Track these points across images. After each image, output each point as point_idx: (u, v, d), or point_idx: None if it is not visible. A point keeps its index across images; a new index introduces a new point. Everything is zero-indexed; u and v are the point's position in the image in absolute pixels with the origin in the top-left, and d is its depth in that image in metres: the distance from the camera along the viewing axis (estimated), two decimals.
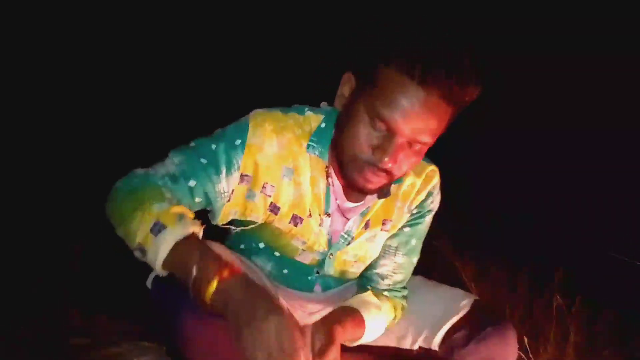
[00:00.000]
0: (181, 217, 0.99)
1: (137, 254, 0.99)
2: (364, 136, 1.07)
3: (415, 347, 1.37)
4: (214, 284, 0.90)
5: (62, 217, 2.50)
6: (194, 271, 0.92)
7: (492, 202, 3.33)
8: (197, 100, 3.55)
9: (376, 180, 1.11)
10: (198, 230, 0.99)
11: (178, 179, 1.10)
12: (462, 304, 1.34)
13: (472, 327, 1.30)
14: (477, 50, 1.05)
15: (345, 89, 1.15)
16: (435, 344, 1.34)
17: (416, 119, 1.02)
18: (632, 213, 3.28)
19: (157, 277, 1.04)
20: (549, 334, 2.06)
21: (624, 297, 2.51)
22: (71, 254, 2.19)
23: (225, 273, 0.91)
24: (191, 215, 1.04)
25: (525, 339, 1.72)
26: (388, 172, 1.09)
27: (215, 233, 1.24)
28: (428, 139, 1.07)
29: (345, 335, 1.19)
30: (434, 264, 1.51)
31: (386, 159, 1.06)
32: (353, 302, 1.29)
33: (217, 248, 1.17)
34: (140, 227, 0.97)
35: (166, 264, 0.96)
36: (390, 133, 1.05)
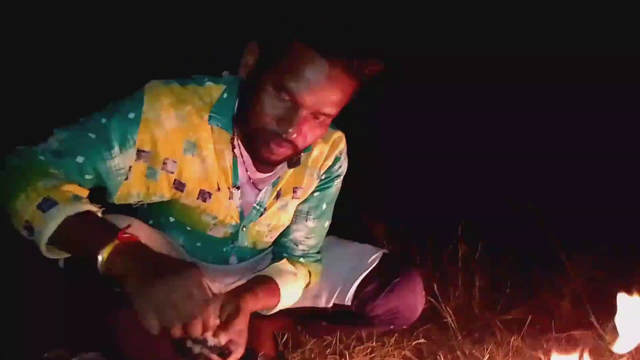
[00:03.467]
0: (76, 197, 0.95)
1: (24, 233, 0.93)
2: (269, 107, 1.08)
3: (330, 304, 1.41)
4: (107, 250, 0.86)
5: None
6: (86, 242, 0.88)
7: (397, 163, 3.46)
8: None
9: (281, 152, 1.12)
10: (96, 210, 0.94)
11: (63, 155, 1.04)
12: (372, 258, 1.41)
13: (381, 280, 1.38)
14: (385, 27, 1.11)
15: (249, 58, 1.13)
16: (347, 300, 1.39)
17: (320, 91, 1.04)
18: (523, 163, 3.53)
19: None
20: (456, 280, 2.20)
21: (519, 240, 2.72)
22: None
23: (119, 239, 0.87)
24: (85, 195, 1.00)
25: (435, 286, 1.82)
26: (293, 143, 1.10)
27: (121, 210, 1.20)
28: (331, 111, 1.09)
29: (257, 304, 1.19)
30: (346, 224, 1.55)
31: (291, 130, 1.07)
32: (268, 270, 1.30)
33: (130, 221, 1.14)
34: (26, 204, 0.91)
35: (55, 240, 0.90)
36: (295, 105, 1.06)
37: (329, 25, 1.03)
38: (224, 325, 1.03)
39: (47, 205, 0.90)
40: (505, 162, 3.50)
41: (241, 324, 1.06)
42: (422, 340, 1.73)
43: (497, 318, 1.96)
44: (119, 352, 1.10)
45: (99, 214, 0.95)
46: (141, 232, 1.14)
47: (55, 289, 1.07)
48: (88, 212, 0.92)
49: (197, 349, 0.98)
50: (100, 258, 0.86)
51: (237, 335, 1.05)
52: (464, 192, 3.13)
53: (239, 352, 1.05)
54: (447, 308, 1.81)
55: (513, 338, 1.74)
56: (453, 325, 1.79)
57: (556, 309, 2.13)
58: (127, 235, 0.89)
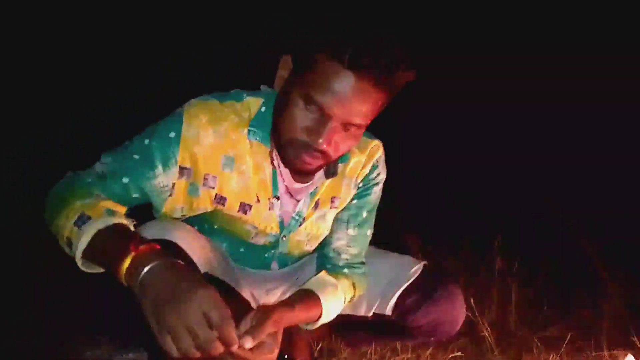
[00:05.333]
0: (109, 211, 0.98)
1: (66, 249, 0.99)
2: (299, 119, 1.09)
3: (370, 314, 1.41)
4: (127, 260, 0.87)
5: None
6: (111, 252, 0.90)
7: (433, 176, 3.44)
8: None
9: (313, 162, 1.13)
10: (126, 223, 0.98)
11: (109, 177, 1.11)
12: (413, 270, 1.40)
13: (422, 292, 1.37)
14: (408, 38, 1.09)
15: (283, 71, 1.16)
16: (388, 310, 1.39)
17: (347, 102, 1.05)
18: (561, 178, 3.48)
19: None
20: (492, 295, 2.17)
21: (557, 256, 2.67)
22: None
23: (141, 248, 0.88)
24: (122, 211, 1.04)
25: (472, 300, 1.80)
26: (324, 154, 1.11)
27: None
28: (361, 122, 1.09)
29: (294, 315, 1.18)
30: (380, 236, 1.55)
31: (320, 141, 1.08)
32: (308, 284, 1.31)
33: (179, 226, 1.18)
34: (65, 222, 0.98)
35: (87, 254, 0.95)
36: (324, 116, 1.07)
37: (353, 37, 1.04)
38: (251, 330, 1.01)
39: (81, 221, 0.96)
40: (546, 176, 3.44)
41: (270, 328, 1.03)
42: (457, 354, 1.71)
43: (535, 335, 1.93)
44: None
45: (131, 227, 0.98)
46: (187, 234, 1.17)
47: (99, 291, 1.11)
48: (119, 225, 0.96)
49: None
50: (121, 271, 0.87)
51: (268, 339, 1.02)
52: (502, 206, 3.10)
53: (269, 354, 1.01)
54: (484, 322, 1.78)
55: (551, 356, 1.71)
56: (490, 340, 1.76)
57: (596, 327, 2.09)
58: (142, 247, 0.88)
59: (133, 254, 0.87)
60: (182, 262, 0.89)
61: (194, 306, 0.79)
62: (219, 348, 0.81)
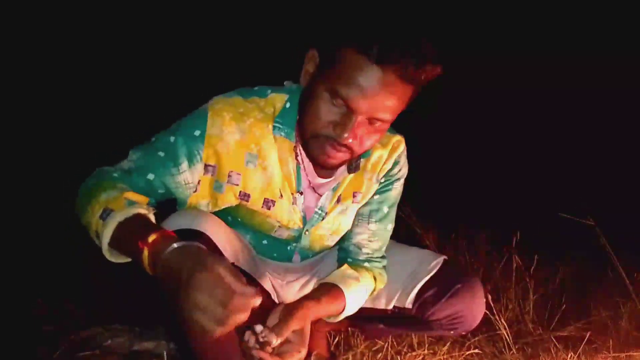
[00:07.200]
0: (130, 202, 0.99)
1: (97, 242, 1.00)
2: (325, 112, 1.09)
3: (390, 307, 1.41)
4: (146, 251, 0.88)
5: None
6: (131, 244, 0.92)
7: (450, 172, 3.42)
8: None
9: (338, 156, 1.13)
10: (145, 212, 0.98)
11: (135, 173, 1.12)
12: (433, 263, 1.40)
13: (443, 285, 1.37)
14: (436, 32, 1.09)
15: (310, 65, 1.16)
16: (408, 303, 1.39)
17: (373, 97, 1.05)
18: (580, 175, 3.44)
19: None
20: (510, 293, 2.16)
21: (576, 254, 2.65)
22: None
23: (158, 237, 0.88)
24: (144, 201, 1.05)
25: (489, 298, 1.79)
26: (349, 148, 1.11)
27: None
28: (387, 117, 1.09)
29: (320, 309, 1.20)
30: (398, 232, 1.54)
31: (346, 135, 1.08)
32: (331, 277, 1.32)
33: (206, 216, 1.18)
34: (92, 216, 0.99)
35: (113, 245, 0.96)
36: (349, 110, 1.07)
37: (380, 32, 1.03)
38: (275, 327, 1.04)
39: (105, 214, 0.97)
40: (566, 173, 3.41)
41: (296, 325, 1.06)
42: (474, 351, 1.71)
43: (552, 334, 1.92)
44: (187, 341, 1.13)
45: (151, 215, 0.99)
46: (214, 224, 1.18)
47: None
48: (138, 215, 0.96)
49: (252, 342, 1.00)
50: (144, 259, 0.88)
51: (295, 337, 1.06)
52: (520, 203, 3.08)
53: (297, 354, 1.06)
54: (502, 320, 1.77)
55: (569, 355, 1.70)
56: (508, 339, 1.76)
57: (614, 328, 2.07)
58: (155, 236, 0.88)
59: (149, 242, 0.88)
60: (196, 244, 0.87)
61: (199, 290, 0.78)
62: (238, 318, 0.79)
